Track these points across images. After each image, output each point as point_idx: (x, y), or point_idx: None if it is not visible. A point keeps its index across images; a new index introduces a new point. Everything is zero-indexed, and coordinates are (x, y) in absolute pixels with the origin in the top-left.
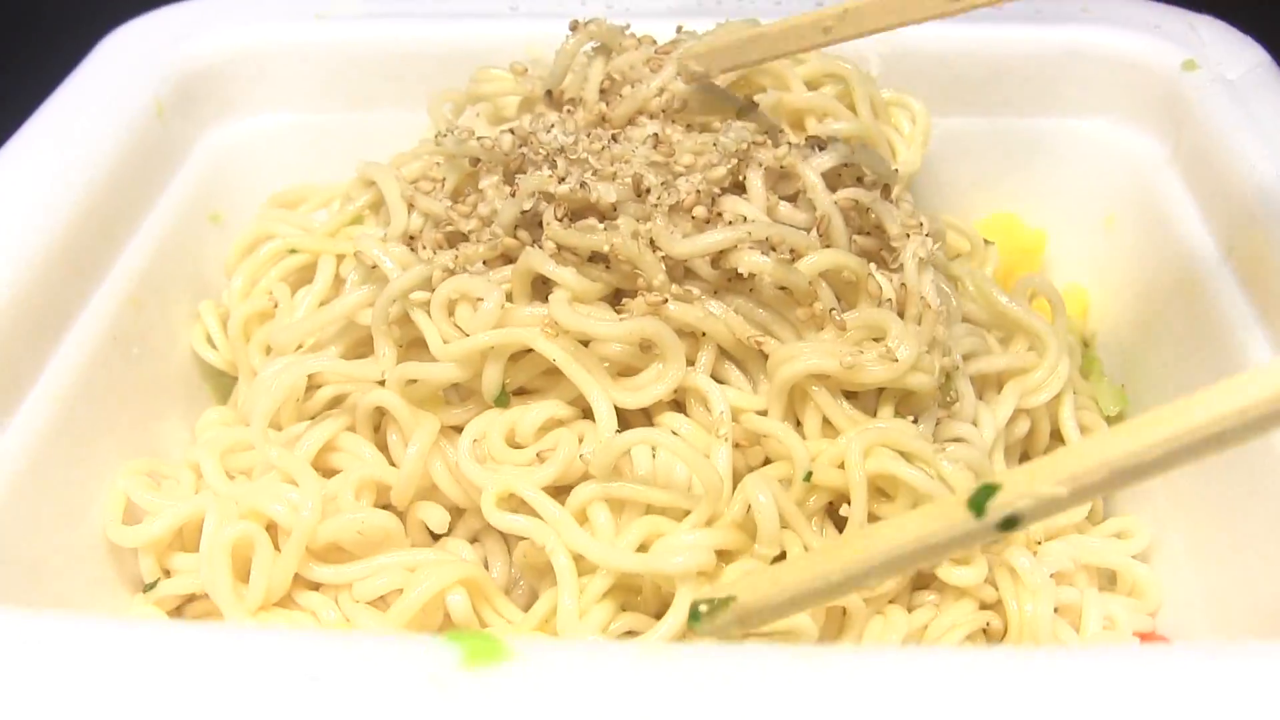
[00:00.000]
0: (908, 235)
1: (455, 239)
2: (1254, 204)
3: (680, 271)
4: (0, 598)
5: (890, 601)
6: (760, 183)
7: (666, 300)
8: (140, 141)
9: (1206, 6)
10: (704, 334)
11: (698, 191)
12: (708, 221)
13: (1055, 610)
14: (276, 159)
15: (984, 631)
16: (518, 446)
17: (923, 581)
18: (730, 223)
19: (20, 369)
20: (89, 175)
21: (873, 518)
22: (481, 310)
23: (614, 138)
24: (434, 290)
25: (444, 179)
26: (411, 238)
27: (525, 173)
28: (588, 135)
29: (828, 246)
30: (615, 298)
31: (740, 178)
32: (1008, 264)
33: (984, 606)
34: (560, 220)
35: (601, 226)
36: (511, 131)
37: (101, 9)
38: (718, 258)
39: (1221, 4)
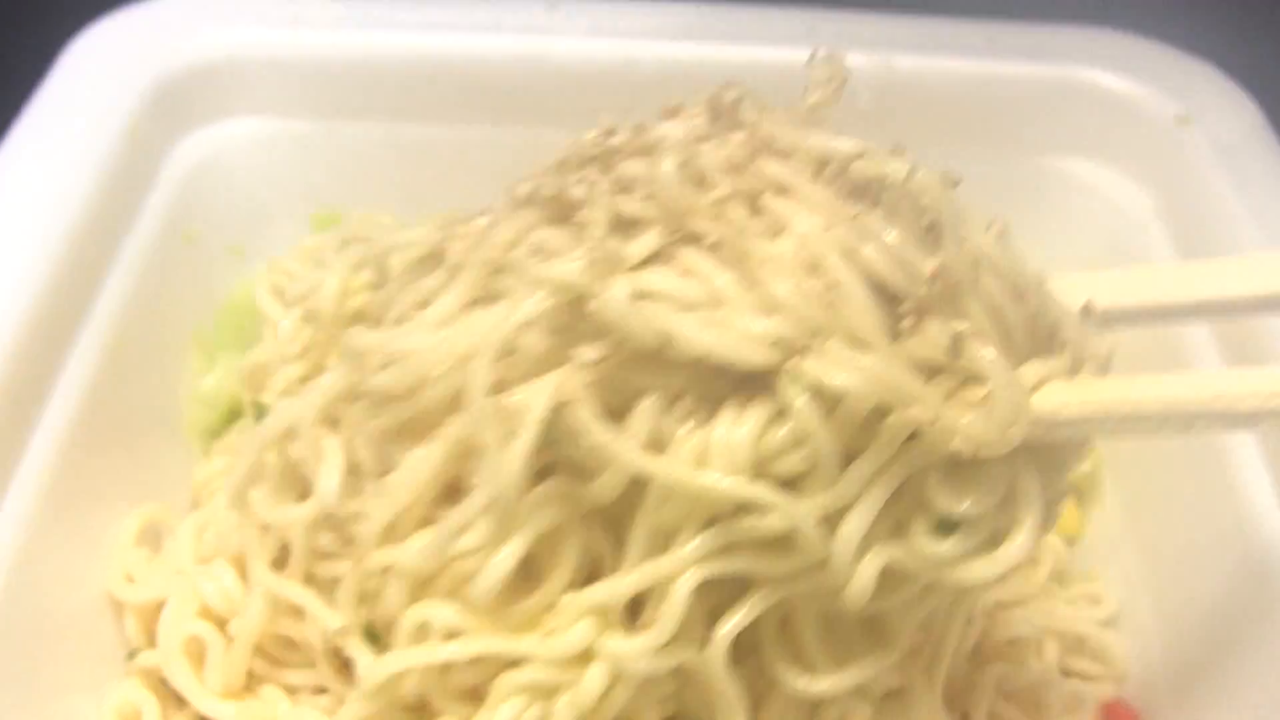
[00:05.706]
0: None
1: None
2: None
3: None
4: (8, 658)
5: None
6: None
7: None
8: (117, 161)
9: (1204, 46)
10: None
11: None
12: None
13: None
14: (249, 169)
15: None
16: None
17: None
18: None
19: (18, 425)
20: (71, 211)
21: None
22: None
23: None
24: None
25: None
26: None
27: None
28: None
29: None
30: None
31: None
32: None
33: None
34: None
35: None
36: None
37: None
38: None
39: (1218, 46)
